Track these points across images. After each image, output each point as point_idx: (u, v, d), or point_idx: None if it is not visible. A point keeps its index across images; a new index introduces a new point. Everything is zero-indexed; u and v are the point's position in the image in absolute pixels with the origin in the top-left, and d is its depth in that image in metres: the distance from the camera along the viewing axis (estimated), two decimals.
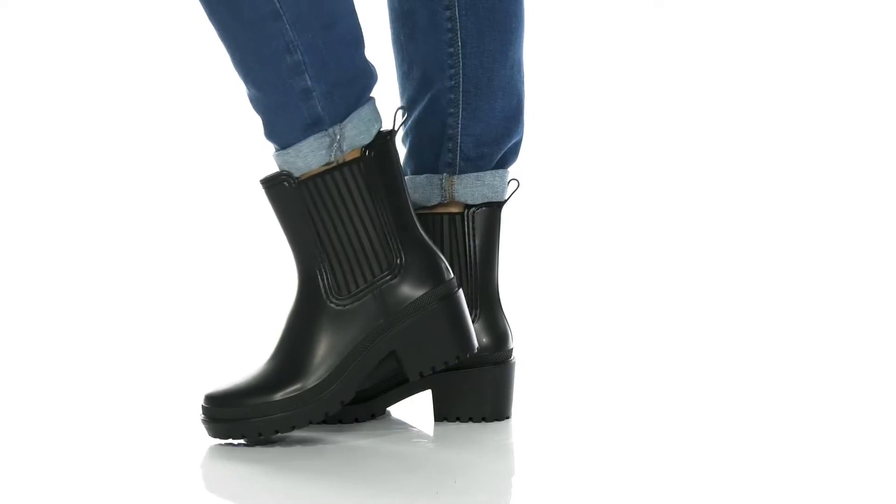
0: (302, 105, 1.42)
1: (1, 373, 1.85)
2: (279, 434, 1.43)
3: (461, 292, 1.46)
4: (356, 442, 1.46)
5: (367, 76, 1.45)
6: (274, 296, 2.31)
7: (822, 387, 1.74)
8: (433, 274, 1.44)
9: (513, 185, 1.55)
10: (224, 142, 2.62)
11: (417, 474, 1.39)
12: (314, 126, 1.42)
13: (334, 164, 1.43)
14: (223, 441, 1.46)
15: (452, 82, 1.53)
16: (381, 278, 1.44)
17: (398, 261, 1.44)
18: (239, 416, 1.43)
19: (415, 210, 1.48)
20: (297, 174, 1.43)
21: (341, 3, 1.43)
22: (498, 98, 1.54)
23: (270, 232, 2.48)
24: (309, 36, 1.41)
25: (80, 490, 1.34)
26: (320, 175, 1.42)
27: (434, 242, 1.50)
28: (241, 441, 1.45)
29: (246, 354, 1.93)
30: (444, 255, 1.49)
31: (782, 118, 2.64)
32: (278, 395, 1.42)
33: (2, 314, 2.22)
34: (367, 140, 1.43)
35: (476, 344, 1.46)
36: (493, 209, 1.53)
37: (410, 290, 1.44)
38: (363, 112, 1.43)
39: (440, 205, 1.54)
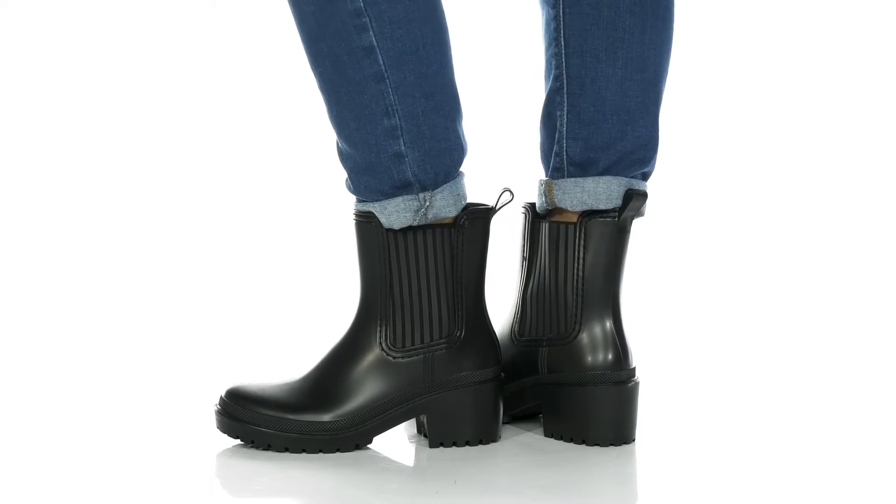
0: (393, 168, 1.42)
1: (13, 374, 1.85)
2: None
3: (500, 380, 1.46)
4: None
5: (459, 150, 1.45)
6: (285, 297, 2.32)
7: None
8: (483, 356, 1.45)
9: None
10: (238, 142, 2.62)
11: (418, 475, 1.39)
12: (402, 189, 1.43)
13: (426, 224, 1.44)
14: (231, 442, 1.46)
15: (557, 83, 1.49)
16: (437, 344, 1.45)
17: (458, 333, 1.45)
18: (253, 422, 1.43)
19: (535, 217, 1.50)
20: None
21: (443, 74, 1.43)
22: (607, 99, 1.48)
23: (283, 232, 2.50)
24: (409, 102, 1.41)
25: (93, 490, 1.34)
26: (412, 230, 1.43)
27: (539, 249, 1.49)
28: (246, 443, 1.45)
29: (260, 353, 1.93)
30: (551, 263, 1.48)
31: (783, 119, 2.63)
32: (299, 417, 1.43)
33: (14, 316, 2.21)
34: (454, 213, 1.44)
35: (499, 436, 1.46)
36: (608, 221, 1.46)
37: (458, 365, 1.45)
38: (454, 186, 1.44)
39: (556, 211, 1.50)
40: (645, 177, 1.50)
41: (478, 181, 1.55)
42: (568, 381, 1.46)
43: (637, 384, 1.47)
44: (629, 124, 1.48)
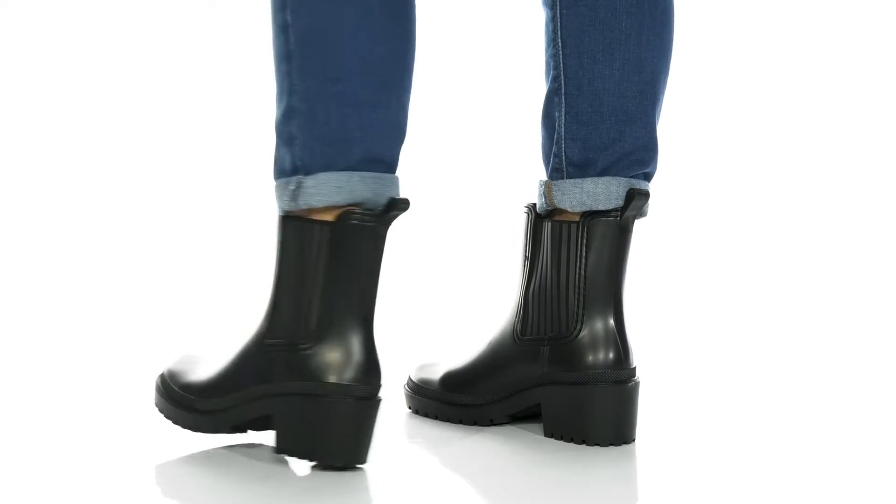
0: (287, 149, 1.38)
1: None
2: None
3: (345, 402, 1.35)
4: None
5: (356, 143, 1.37)
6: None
7: None
8: (324, 370, 1.35)
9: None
10: (212, 142, 2.62)
11: (416, 477, 1.39)
12: (292, 172, 1.38)
13: (307, 214, 1.38)
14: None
15: (556, 84, 1.49)
16: (296, 345, 1.36)
17: (311, 339, 1.36)
18: (173, 402, 1.44)
19: (537, 217, 1.48)
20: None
21: (359, 61, 1.36)
22: (604, 100, 1.48)
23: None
24: (308, 84, 1.36)
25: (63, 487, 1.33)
26: (293, 217, 1.37)
27: (541, 248, 1.49)
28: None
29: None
30: (553, 262, 1.48)
31: (784, 120, 2.63)
32: (198, 405, 1.42)
33: None
34: (321, 203, 1.36)
35: (353, 461, 1.37)
36: (611, 220, 1.46)
37: (300, 372, 1.36)
38: (334, 177, 1.36)
39: (558, 211, 1.50)
40: (647, 177, 1.50)
41: (481, 181, 1.55)
42: (568, 381, 1.46)
43: (637, 384, 1.47)
44: (627, 125, 1.48)
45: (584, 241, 1.47)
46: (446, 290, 2.39)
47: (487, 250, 2.33)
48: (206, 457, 1.41)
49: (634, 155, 1.48)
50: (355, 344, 1.36)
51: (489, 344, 1.55)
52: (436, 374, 1.58)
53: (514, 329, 1.52)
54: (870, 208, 2.57)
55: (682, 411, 1.64)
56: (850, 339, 2.09)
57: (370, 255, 1.37)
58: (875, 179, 2.60)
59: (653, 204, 1.54)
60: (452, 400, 1.54)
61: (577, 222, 1.47)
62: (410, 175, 2.42)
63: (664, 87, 1.51)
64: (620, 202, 1.47)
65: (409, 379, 1.60)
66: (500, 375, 1.52)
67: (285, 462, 1.39)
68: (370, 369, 1.36)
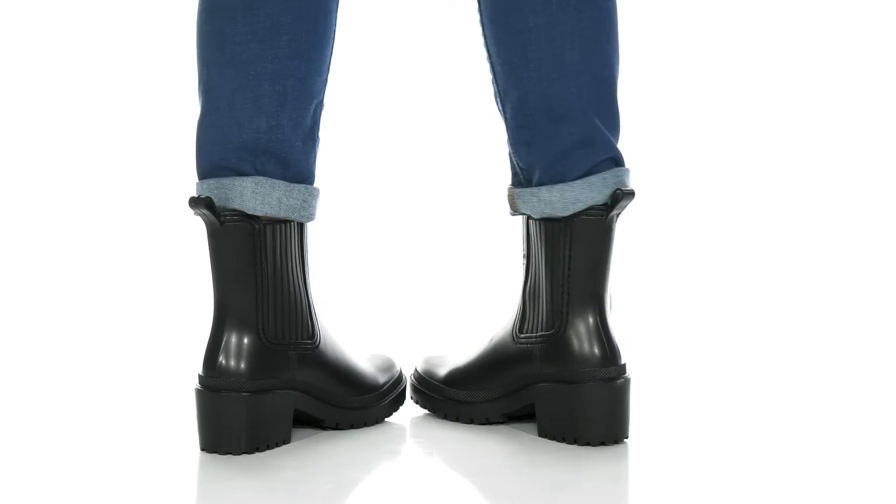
0: None
1: None
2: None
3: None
4: (352, 444, 1.48)
5: (197, 154, 1.47)
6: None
7: None
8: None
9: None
10: None
11: (418, 475, 1.40)
12: None
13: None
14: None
15: (494, 89, 1.50)
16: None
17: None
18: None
19: (529, 217, 1.50)
20: None
21: (204, 83, 1.46)
22: (530, 103, 1.46)
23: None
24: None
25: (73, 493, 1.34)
26: None
27: (535, 246, 1.49)
28: None
29: None
30: (540, 261, 1.49)
31: (776, 117, 2.64)
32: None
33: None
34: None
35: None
36: (594, 219, 1.46)
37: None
38: (196, 183, 1.47)
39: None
40: (617, 162, 1.48)
41: (491, 177, 1.54)
42: (557, 378, 1.46)
43: (627, 381, 1.45)
44: (560, 123, 1.46)
45: (569, 239, 1.46)
46: (459, 286, 2.39)
47: (504, 244, 2.33)
48: (217, 460, 1.42)
49: (577, 152, 1.46)
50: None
51: (491, 342, 1.55)
52: (440, 368, 1.59)
53: (513, 328, 1.53)
54: (863, 209, 2.57)
55: (674, 409, 1.64)
56: (842, 336, 2.09)
57: (222, 254, 1.45)
58: (868, 180, 2.60)
59: (648, 202, 1.53)
60: (452, 396, 1.56)
61: (562, 221, 1.47)
62: (423, 173, 2.43)
63: (599, 75, 1.46)
64: (579, 206, 1.45)
65: (415, 370, 1.62)
66: (500, 374, 1.52)
67: (284, 463, 1.40)
68: None
